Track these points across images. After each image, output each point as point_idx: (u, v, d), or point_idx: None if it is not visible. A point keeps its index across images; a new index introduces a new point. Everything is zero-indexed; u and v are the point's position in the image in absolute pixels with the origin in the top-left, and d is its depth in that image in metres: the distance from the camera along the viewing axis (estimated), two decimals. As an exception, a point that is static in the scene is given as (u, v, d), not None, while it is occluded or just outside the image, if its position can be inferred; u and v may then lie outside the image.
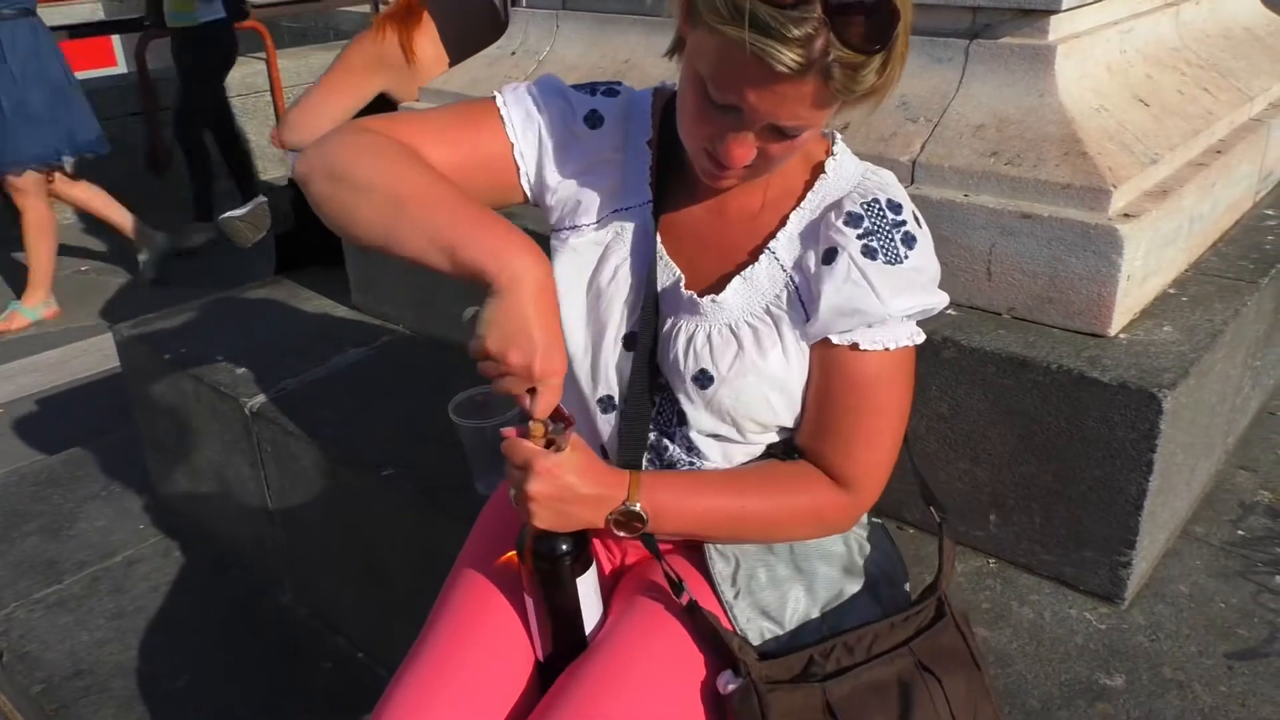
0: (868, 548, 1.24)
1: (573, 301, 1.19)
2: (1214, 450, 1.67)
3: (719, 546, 1.20)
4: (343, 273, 2.55)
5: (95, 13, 9.50)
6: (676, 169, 1.18)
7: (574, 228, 1.21)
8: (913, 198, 1.54)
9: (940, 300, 1.14)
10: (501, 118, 1.18)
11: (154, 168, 5.89)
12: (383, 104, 2.57)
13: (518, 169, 1.20)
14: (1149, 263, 1.51)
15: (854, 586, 1.20)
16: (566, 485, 1.05)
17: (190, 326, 2.55)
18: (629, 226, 1.19)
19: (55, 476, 2.91)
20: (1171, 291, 1.61)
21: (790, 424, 1.18)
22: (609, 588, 1.29)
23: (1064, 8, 1.52)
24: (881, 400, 1.13)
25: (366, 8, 6.93)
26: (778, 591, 1.18)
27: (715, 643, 1.12)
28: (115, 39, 7.32)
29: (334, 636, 2.23)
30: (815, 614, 1.17)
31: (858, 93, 0.95)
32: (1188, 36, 1.94)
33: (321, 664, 2.18)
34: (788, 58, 0.89)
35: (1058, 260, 1.47)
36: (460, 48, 2.50)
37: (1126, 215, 1.44)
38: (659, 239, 1.18)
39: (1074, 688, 1.33)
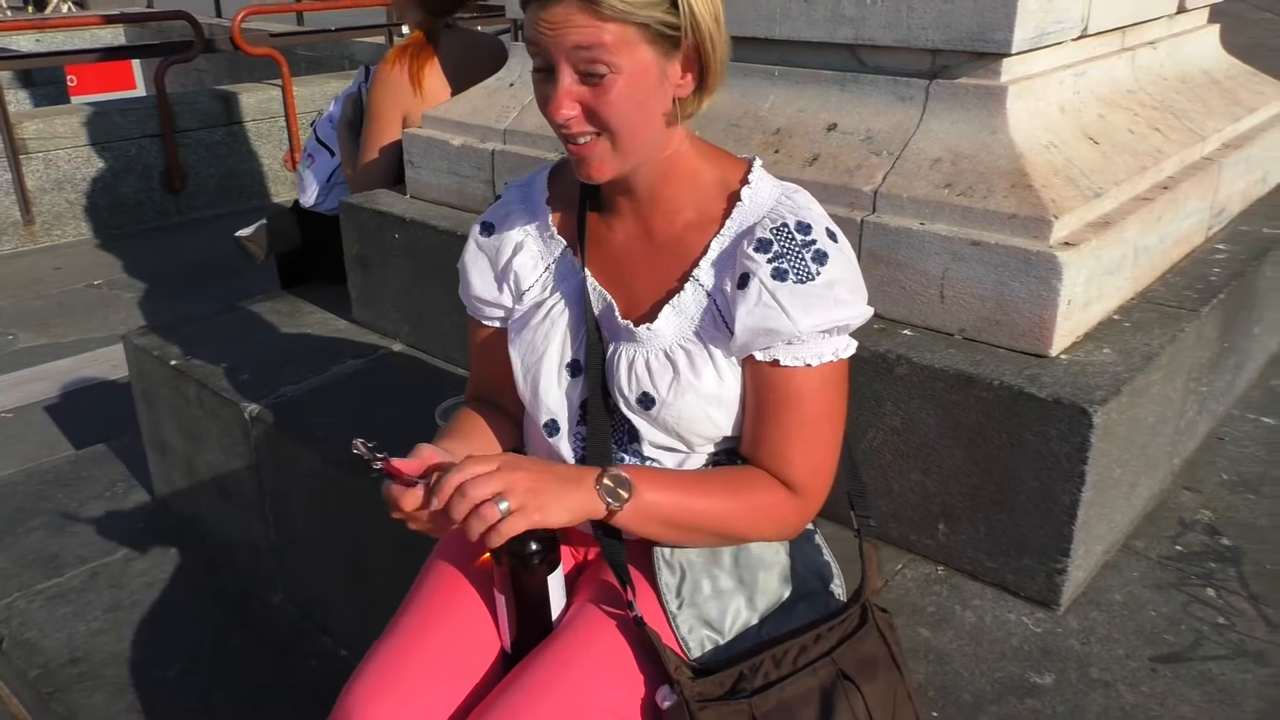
0: (806, 556, 1.32)
1: (517, 342, 1.33)
2: (1157, 469, 1.76)
3: (666, 557, 1.25)
4: (346, 289, 2.66)
5: (117, 38, 9.77)
6: (597, 209, 1.31)
7: (520, 299, 1.36)
8: (872, 225, 1.67)
9: (857, 313, 1.21)
10: (471, 319, 1.43)
11: (169, 187, 6.05)
12: None
13: (505, 321, 1.39)
14: (1091, 289, 1.61)
15: (792, 594, 1.27)
16: (533, 472, 1.12)
17: (197, 335, 2.66)
18: (558, 272, 1.34)
19: (62, 476, 3.02)
20: (1116, 317, 1.71)
21: (734, 433, 1.27)
22: (571, 583, 1.38)
23: (1014, 51, 1.63)
24: (810, 412, 1.21)
25: (381, 39, 7.11)
26: (720, 603, 1.24)
27: (656, 656, 1.18)
28: (135, 63, 7.50)
29: (321, 635, 2.32)
30: (755, 621, 1.25)
31: (626, 14, 1.07)
32: (1144, 79, 2.06)
33: (308, 661, 2.26)
34: None
35: (1004, 285, 1.57)
36: (462, 79, 2.63)
37: (1067, 244, 1.54)
38: (587, 272, 1.30)
39: (1006, 685, 1.41)
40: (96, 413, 3.69)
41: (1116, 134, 1.85)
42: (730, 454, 1.30)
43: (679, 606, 1.23)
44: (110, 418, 3.53)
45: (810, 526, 1.38)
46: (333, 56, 7.75)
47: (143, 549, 2.66)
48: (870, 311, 1.24)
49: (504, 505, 1.08)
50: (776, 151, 1.86)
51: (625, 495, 1.14)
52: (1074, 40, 1.82)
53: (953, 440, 1.57)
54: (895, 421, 1.62)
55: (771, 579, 1.27)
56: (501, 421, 1.42)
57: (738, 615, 1.24)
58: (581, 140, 1.17)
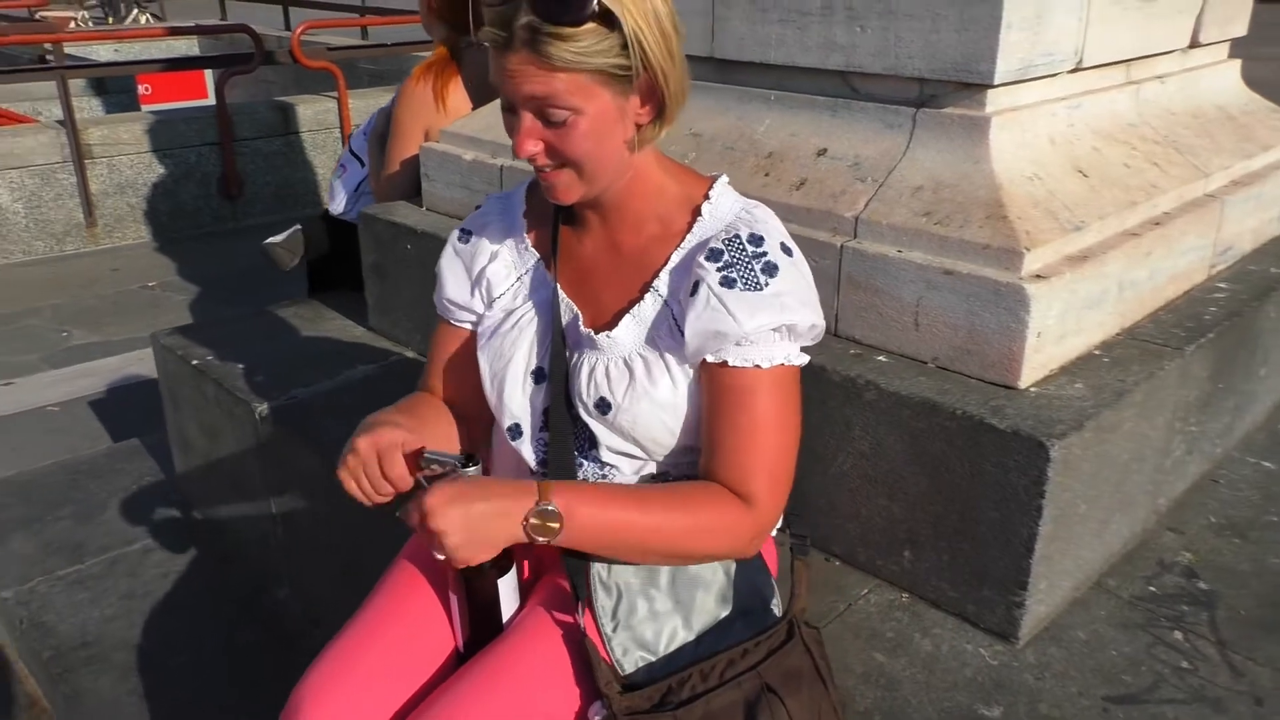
0: (746, 575, 1.32)
1: (486, 348, 1.39)
2: (1135, 508, 1.74)
3: (603, 578, 1.26)
4: (365, 296, 2.74)
5: (191, 48, 10.10)
6: (568, 223, 1.36)
7: (490, 306, 1.42)
8: (851, 251, 1.69)
9: (806, 318, 1.24)
10: (440, 320, 1.49)
11: (227, 194, 6.24)
12: None
13: (475, 326, 1.45)
14: (1066, 323, 1.61)
15: (728, 612, 1.29)
16: (465, 512, 1.15)
17: (220, 337, 2.76)
18: (529, 283, 1.39)
19: (94, 469, 3.14)
20: (1096, 352, 1.70)
21: (689, 441, 1.30)
22: (527, 585, 1.42)
23: (998, 83, 1.64)
24: (760, 412, 1.23)
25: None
26: (655, 624, 1.26)
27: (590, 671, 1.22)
28: (208, 74, 7.76)
29: (323, 630, 2.38)
30: (690, 640, 1.26)
31: (576, 64, 1.12)
32: (1148, 113, 2.04)
33: (310, 655, 2.32)
34: (490, 32, 1.12)
35: (974, 315, 1.58)
36: (484, 96, 2.70)
37: (1038, 276, 1.54)
38: (558, 285, 1.34)
39: (952, 714, 1.41)
40: (136, 409, 3.82)
41: (1109, 168, 1.84)
42: (693, 468, 1.32)
43: (614, 629, 1.25)
44: (147, 414, 3.65)
45: None
46: (393, 70, 7.93)
47: (162, 540, 2.76)
48: (821, 324, 1.27)
49: (441, 556, 1.18)
50: (767, 175, 1.88)
51: (555, 527, 1.17)
52: (1069, 73, 1.82)
53: (918, 468, 1.58)
54: (864, 446, 1.63)
55: (709, 599, 1.28)
56: (445, 413, 1.47)
57: (674, 635, 1.26)
58: (547, 169, 1.23)
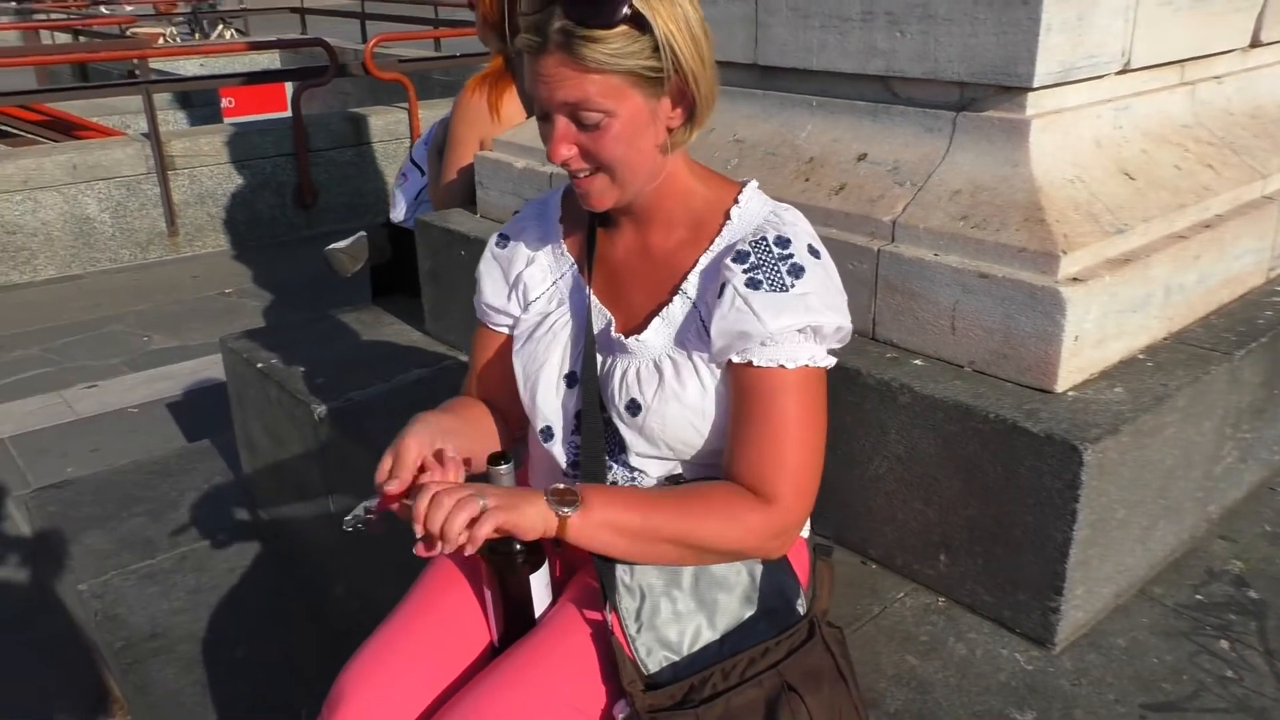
0: (770, 575, 1.33)
1: (520, 352, 1.43)
2: (1183, 515, 1.71)
3: (626, 581, 1.27)
4: (422, 301, 2.81)
5: (274, 62, 10.41)
6: (602, 225, 1.40)
7: (526, 309, 1.45)
8: (888, 255, 1.69)
9: (832, 320, 1.25)
10: (481, 324, 1.53)
11: (301, 203, 6.42)
12: None
13: (511, 329, 1.49)
14: (1105, 326, 1.59)
15: (753, 612, 1.30)
16: (498, 486, 1.20)
17: (285, 341, 2.85)
18: (564, 287, 1.43)
19: (168, 468, 3.26)
20: (1140, 356, 1.68)
21: (717, 444, 1.32)
22: (560, 583, 1.45)
23: (1037, 85, 1.63)
24: (784, 412, 1.24)
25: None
26: (679, 625, 1.27)
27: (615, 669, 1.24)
28: (288, 87, 8.00)
29: (375, 626, 2.44)
30: (715, 639, 1.28)
31: (609, 65, 1.15)
32: (1204, 114, 2.00)
33: (361, 651, 2.40)
34: (525, 38, 1.16)
35: (1010, 318, 1.57)
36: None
37: (1075, 280, 1.53)
38: (590, 291, 1.38)
39: (984, 718, 1.40)
40: (210, 410, 3.97)
41: (1158, 170, 1.81)
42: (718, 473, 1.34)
43: (638, 630, 1.26)
44: (221, 416, 3.77)
45: None
46: (464, 80, 8.09)
47: (228, 538, 2.86)
48: (848, 327, 1.28)
49: (482, 502, 1.15)
50: (807, 180, 1.89)
51: (573, 500, 1.19)
52: (1117, 74, 1.80)
53: (953, 471, 1.57)
54: (899, 450, 1.63)
55: (732, 599, 1.29)
56: (486, 413, 1.50)
57: (698, 635, 1.27)
58: (581, 175, 1.27)
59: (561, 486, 1.20)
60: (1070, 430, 1.44)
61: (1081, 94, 1.76)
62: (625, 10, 1.14)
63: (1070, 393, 1.56)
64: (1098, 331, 1.57)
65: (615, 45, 1.15)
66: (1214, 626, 1.58)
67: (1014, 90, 1.67)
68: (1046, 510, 1.46)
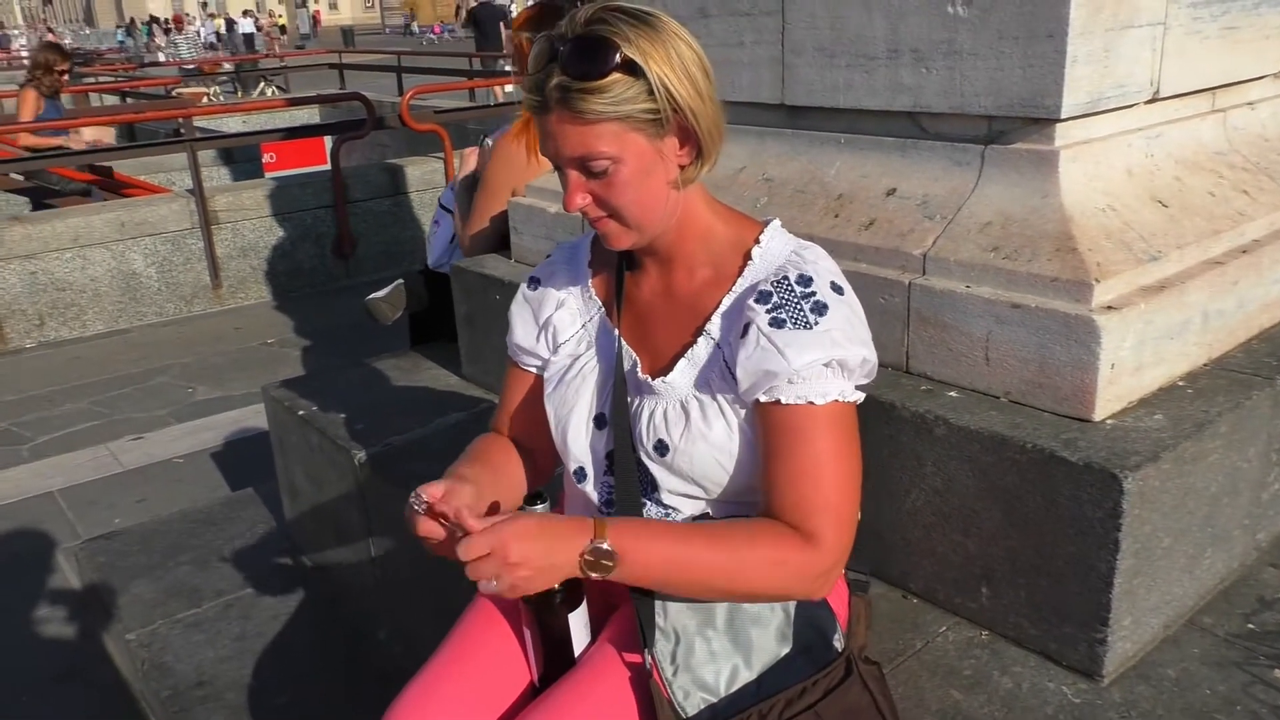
0: (806, 611, 1.31)
1: (552, 396, 1.44)
2: (1231, 542, 1.68)
3: (660, 624, 1.27)
4: (458, 346, 2.85)
5: (313, 117, 10.64)
6: (630, 268, 1.42)
7: (556, 351, 1.47)
8: (920, 288, 1.70)
9: (857, 353, 1.24)
10: (510, 362, 1.55)
11: (340, 253, 6.53)
12: None
13: (541, 371, 1.50)
14: (1142, 354, 1.58)
15: (789, 650, 1.29)
16: (525, 545, 1.17)
17: (325, 388, 2.90)
18: (593, 330, 1.45)
19: (212, 517, 3.31)
20: (1180, 383, 1.66)
21: (747, 481, 1.32)
22: (599, 620, 1.45)
23: (1065, 117, 1.63)
24: (818, 450, 1.23)
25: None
26: (715, 666, 1.26)
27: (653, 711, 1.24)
28: (327, 139, 8.17)
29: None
30: (752, 679, 1.27)
31: (606, 114, 1.18)
32: (1238, 140, 2.00)
33: (404, 696, 2.40)
34: (529, 99, 1.21)
35: (1045, 348, 1.56)
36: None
37: (1110, 308, 1.52)
38: (618, 333, 1.39)
39: (1032, 753, 1.38)
40: (252, 459, 4.02)
41: (1191, 197, 1.80)
42: (754, 508, 1.34)
43: (674, 673, 1.26)
44: (263, 464, 3.82)
45: None
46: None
47: (272, 585, 2.89)
48: (874, 360, 1.27)
49: (493, 584, 1.18)
50: (836, 216, 1.91)
51: (610, 565, 1.19)
52: (1146, 104, 1.80)
53: (991, 503, 1.56)
54: (936, 482, 1.63)
55: (767, 636, 1.28)
56: (514, 456, 1.52)
57: (735, 675, 1.26)
58: (599, 219, 1.29)
59: (599, 546, 1.19)
60: (1109, 458, 1.43)
61: (1111, 124, 1.77)
62: (616, 59, 1.17)
63: (1109, 421, 1.54)
64: (1135, 359, 1.56)
65: (611, 94, 1.18)
66: (1267, 656, 1.54)
67: (1042, 122, 1.68)
68: (1089, 540, 1.45)
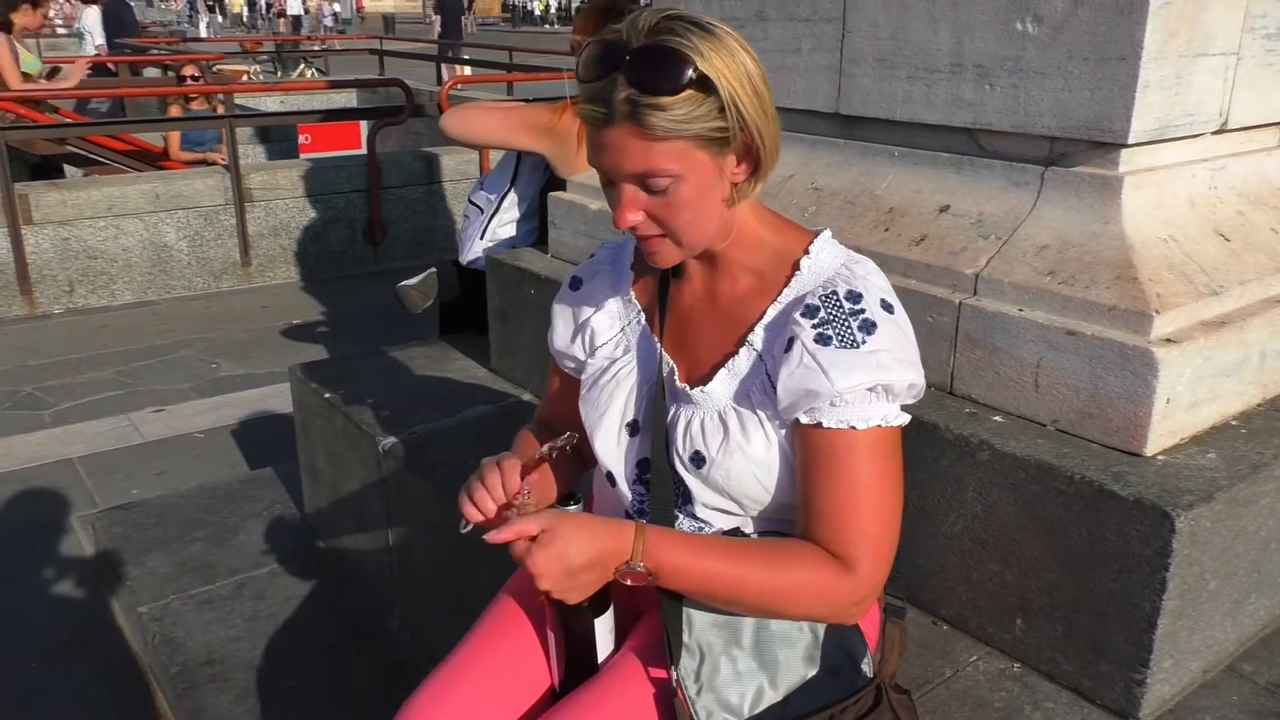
0: (836, 633, 1.28)
1: (585, 398, 1.42)
2: (1275, 589, 1.63)
3: (685, 640, 1.24)
4: (489, 339, 2.83)
5: (350, 100, 10.66)
6: (675, 278, 1.38)
7: (592, 354, 1.44)
8: (970, 309, 1.66)
9: (904, 377, 1.20)
10: (553, 359, 1.55)
11: (370, 238, 6.53)
12: None
13: (578, 373, 1.48)
14: (1198, 390, 1.53)
15: (816, 671, 1.25)
16: (564, 567, 1.16)
17: (353, 373, 2.88)
18: (631, 335, 1.41)
19: (229, 494, 3.30)
20: (1234, 423, 1.62)
21: (785, 499, 1.29)
22: (625, 626, 1.42)
23: (1131, 142, 1.59)
24: (858, 475, 1.20)
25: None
26: (739, 686, 1.23)
27: None
28: (363, 125, 8.18)
29: (429, 660, 2.43)
30: (778, 700, 1.24)
31: (676, 131, 1.12)
32: (1301, 177, 1.95)
33: (416, 682, 2.37)
34: (589, 109, 1.13)
35: (1098, 378, 1.52)
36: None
37: (1169, 340, 1.48)
38: (658, 340, 1.36)
39: (1063, 794, 1.34)
40: (272, 438, 4.01)
41: (1255, 232, 1.76)
42: (790, 526, 1.31)
43: (698, 692, 1.22)
44: (283, 444, 3.82)
45: None
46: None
47: (287, 566, 2.87)
48: (922, 383, 1.23)
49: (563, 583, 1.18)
50: (886, 230, 1.87)
51: (644, 576, 1.18)
52: (1213, 134, 1.76)
53: (1033, 533, 1.52)
54: (976, 508, 1.59)
55: (794, 657, 1.25)
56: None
57: (760, 696, 1.23)
58: (650, 237, 1.24)
59: (632, 568, 1.17)
60: (1161, 496, 1.39)
61: (1176, 152, 1.72)
62: (691, 74, 1.10)
63: (1160, 457, 1.50)
64: (1190, 395, 1.52)
65: (682, 110, 1.12)
66: (1309, 710, 1.50)
67: (1107, 146, 1.64)
68: (1134, 578, 1.41)
